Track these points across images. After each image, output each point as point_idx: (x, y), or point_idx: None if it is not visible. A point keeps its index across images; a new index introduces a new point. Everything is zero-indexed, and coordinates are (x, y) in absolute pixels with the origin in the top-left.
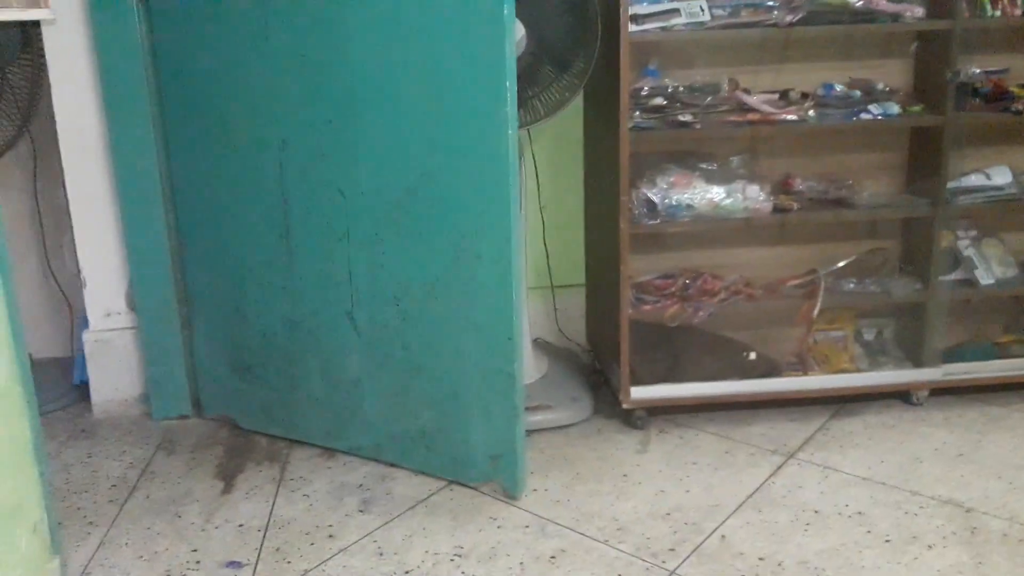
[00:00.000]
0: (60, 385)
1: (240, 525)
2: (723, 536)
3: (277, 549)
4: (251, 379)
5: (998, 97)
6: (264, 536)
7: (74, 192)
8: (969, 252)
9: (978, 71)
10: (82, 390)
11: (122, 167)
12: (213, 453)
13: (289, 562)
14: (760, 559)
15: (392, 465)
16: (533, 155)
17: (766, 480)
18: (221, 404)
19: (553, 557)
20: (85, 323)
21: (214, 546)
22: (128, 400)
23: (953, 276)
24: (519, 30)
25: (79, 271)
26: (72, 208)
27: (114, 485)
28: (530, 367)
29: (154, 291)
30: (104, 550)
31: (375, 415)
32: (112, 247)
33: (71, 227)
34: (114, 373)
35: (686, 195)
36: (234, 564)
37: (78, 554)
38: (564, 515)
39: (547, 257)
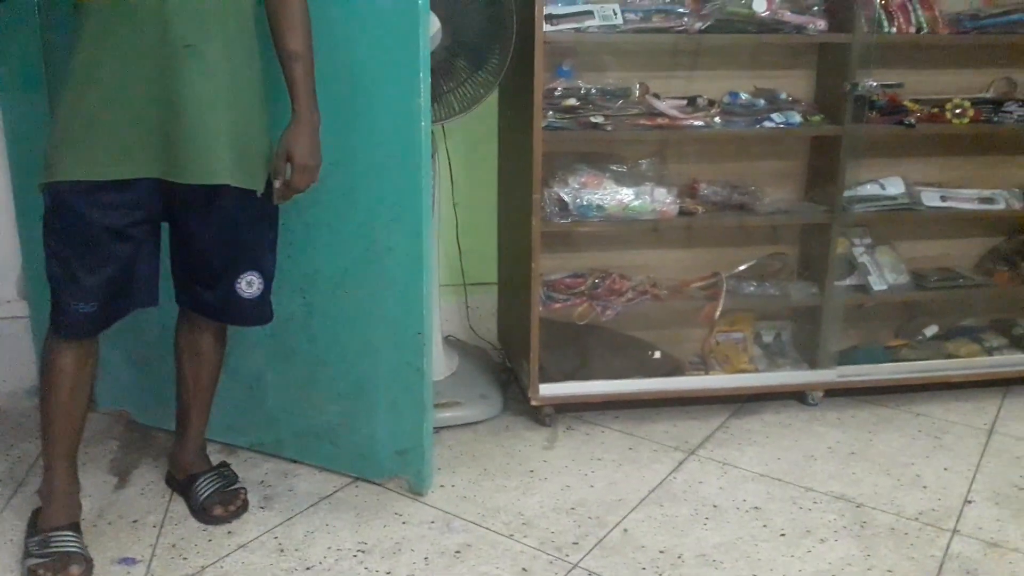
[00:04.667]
0: None
1: (134, 521)
2: (625, 530)
3: (173, 545)
4: (148, 372)
5: (893, 110)
6: (159, 532)
7: None
8: (863, 259)
9: (875, 84)
10: None
11: (16, 152)
12: (107, 448)
13: (185, 558)
14: (660, 552)
15: (295, 461)
16: (447, 151)
17: (668, 476)
18: (117, 398)
19: (458, 552)
20: None
21: (106, 542)
22: (17, 392)
23: (848, 281)
24: (434, 23)
25: None
26: None
27: (0, 480)
28: (440, 364)
29: (47, 279)
30: None
31: (278, 410)
32: (3, 233)
33: None
34: (3, 364)
35: (597, 195)
36: (127, 560)
37: None
38: (470, 510)
39: (460, 255)
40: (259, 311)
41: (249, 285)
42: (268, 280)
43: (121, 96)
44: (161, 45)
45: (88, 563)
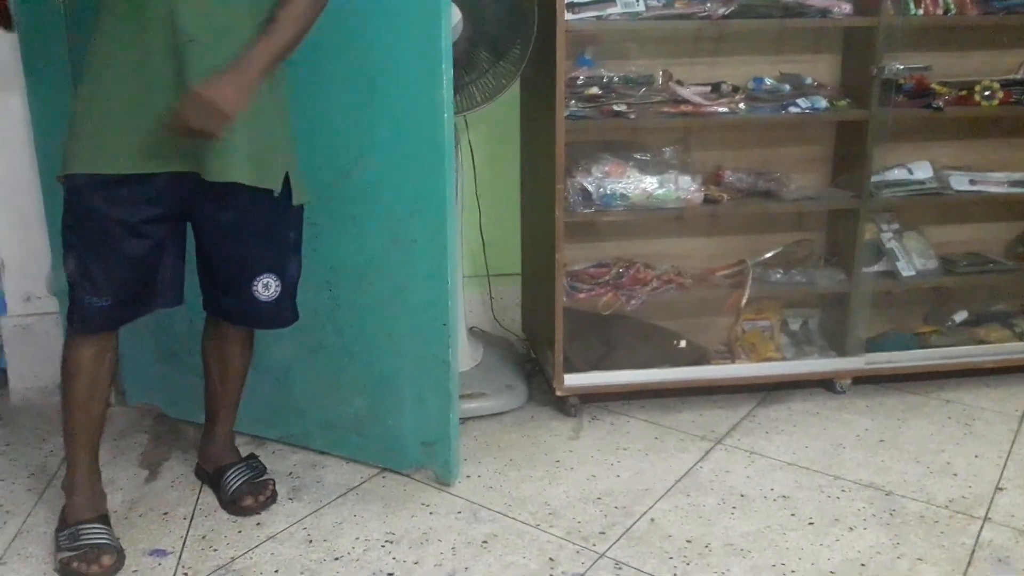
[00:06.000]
0: None
1: (165, 513)
2: (652, 519)
3: (203, 537)
4: (177, 366)
5: (920, 93)
6: (190, 524)
7: None
8: (891, 244)
9: (901, 67)
10: (0, 377)
11: (44, 147)
12: (137, 441)
13: (215, 549)
14: (688, 541)
15: (323, 453)
16: (470, 142)
17: (694, 465)
18: (146, 392)
19: (485, 542)
20: (3, 308)
21: (137, 534)
22: (49, 387)
23: (876, 268)
24: (455, 14)
25: None
26: None
27: (33, 474)
28: (465, 355)
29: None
30: (22, 539)
31: (306, 402)
32: (33, 229)
33: None
34: (34, 359)
35: (620, 184)
36: (158, 552)
37: None
38: (497, 500)
39: (483, 246)
40: (277, 314)
41: (266, 288)
42: (288, 283)
43: (134, 91)
44: (168, 41)
45: (119, 554)
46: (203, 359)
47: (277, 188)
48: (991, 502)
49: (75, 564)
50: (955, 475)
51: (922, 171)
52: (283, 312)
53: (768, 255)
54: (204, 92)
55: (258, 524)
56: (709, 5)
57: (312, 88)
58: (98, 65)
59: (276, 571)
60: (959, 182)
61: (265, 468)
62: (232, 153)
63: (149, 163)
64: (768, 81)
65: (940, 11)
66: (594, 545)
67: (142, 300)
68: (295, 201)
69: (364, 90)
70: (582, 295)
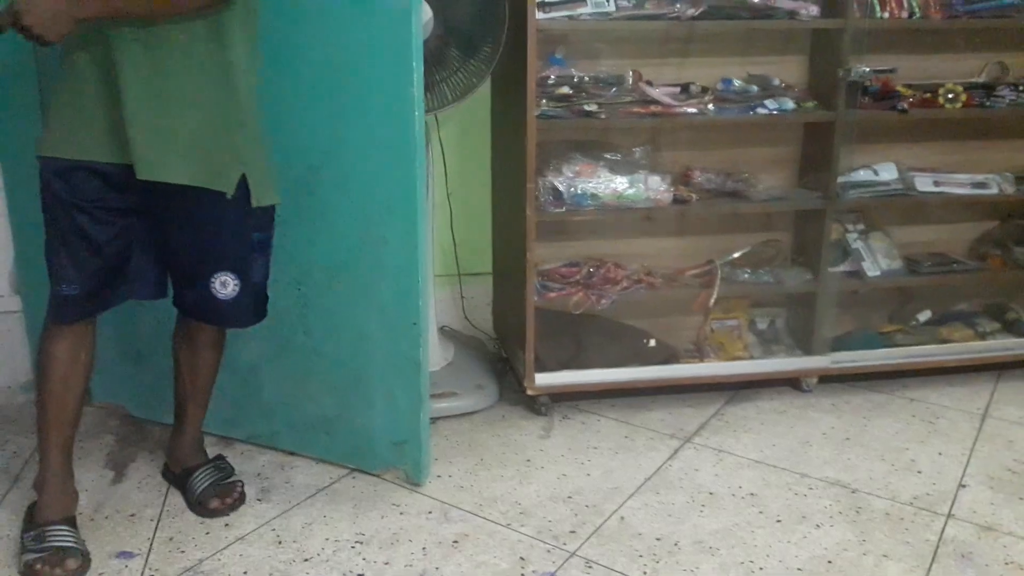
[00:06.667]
0: None
1: (132, 515)
2: (622, 518)
3: (171, 539)
4: (143, 366)
5: (886, 96)
6: (157, 526)
7: None
8: (857, 245)
9: (867, 70)
10: None
11: (6, 143)
12: (103, 442)
13: (183, 551)
14: (657, 539)
15: (292, 453)
16: (440, 141)
17: (664, 463)
18: (111, 392)
19: (456, 541)
20: None
21: (103, 536)
22: (12, 388)
23: (842, 268)
24: (426, 12)
25: None
26: None
27: None
28: (436, 355)
29: (39, 274)
30: None
31: (274, 402)
32: None
33: None
34: None
35: (591, 184)
36: (125, 554)
37: None
38: (467, 500)
39: (454, 245)
40: (237, 313)
41: (223, 286)
42: (249, 283)
43: (89, 82)
44: (113, 38)
45: (85, 558)
46: (173, 358)
47: (229, 190)
48: (954, 499)
49: (39, 567)
50: (919, 472)
51: (887, 172)
52: (243, 311)
53: (736, 255)
54: (21, 6)
55: (226, 525)
56: (678, 6)
57: (282, 83)
58: (65, 56)
59: (245, 572)
60: (923, 183)
61: (233, 469)
62: (168, 151)
63: (98, 152)
64: (736, 82)
65: (905, 14)
66: (564, 544)
67: (112, 289)
68: (254, 203)
69: (335, 86)
70: (553, 294)
